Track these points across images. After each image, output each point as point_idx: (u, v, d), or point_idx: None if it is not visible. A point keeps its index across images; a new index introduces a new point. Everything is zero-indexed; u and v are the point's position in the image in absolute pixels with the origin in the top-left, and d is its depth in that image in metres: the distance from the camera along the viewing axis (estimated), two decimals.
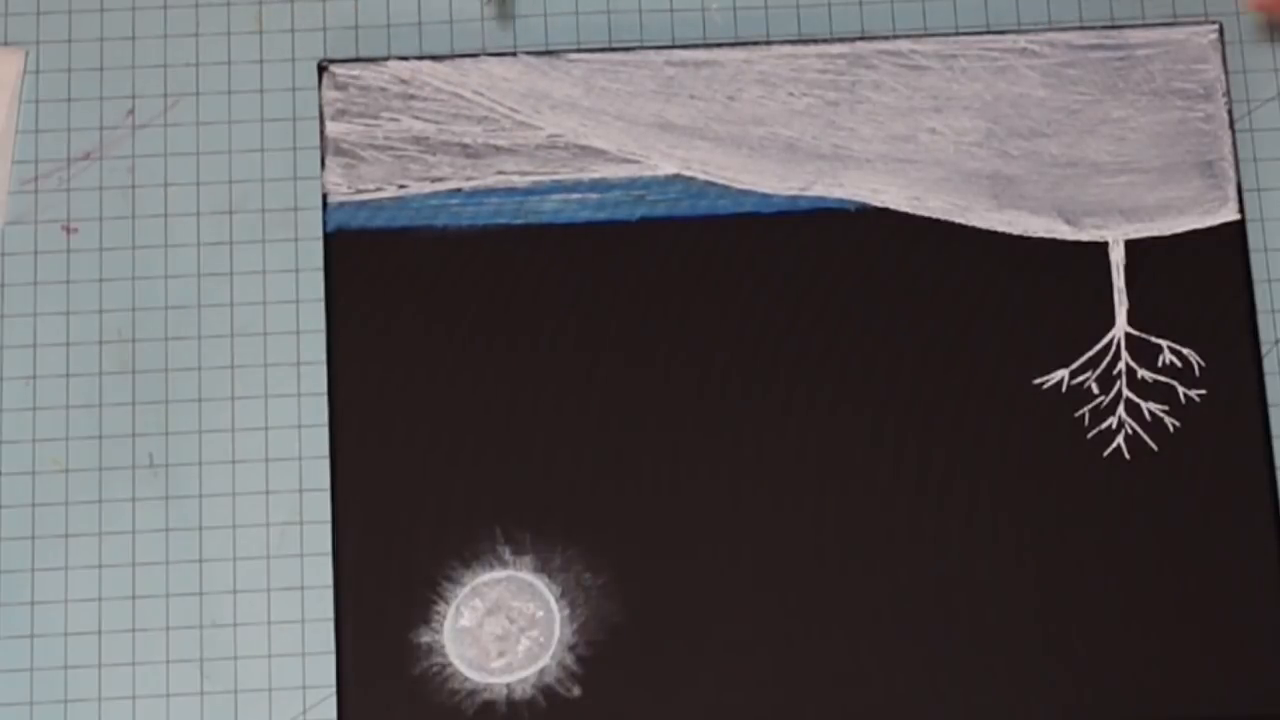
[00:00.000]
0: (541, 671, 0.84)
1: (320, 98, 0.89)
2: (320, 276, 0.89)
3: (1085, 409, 0.87)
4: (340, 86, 0.89)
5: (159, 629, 0.86)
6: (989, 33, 0.91)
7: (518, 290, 0.87)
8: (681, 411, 0.86)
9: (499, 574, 0.85)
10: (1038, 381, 0.87)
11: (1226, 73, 0.91)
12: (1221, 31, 0.91)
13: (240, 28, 0.92)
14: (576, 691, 0.84)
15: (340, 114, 0.89)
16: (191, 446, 0.87)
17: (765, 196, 0.89)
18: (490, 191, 0.88)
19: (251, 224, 0.90)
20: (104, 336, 0.89)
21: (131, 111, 0.91)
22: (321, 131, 0.89)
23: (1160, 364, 0.87)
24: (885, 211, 0.89)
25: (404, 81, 0.89)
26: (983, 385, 0.87)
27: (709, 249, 0.88)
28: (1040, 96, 0.90)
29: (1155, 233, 0.89)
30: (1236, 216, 0.89)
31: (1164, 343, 0.88)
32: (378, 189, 0.88)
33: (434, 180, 0.88)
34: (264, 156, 0.91)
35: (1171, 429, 0.87)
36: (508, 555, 0.85)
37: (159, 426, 0.88)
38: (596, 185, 0.89)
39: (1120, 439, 0.86)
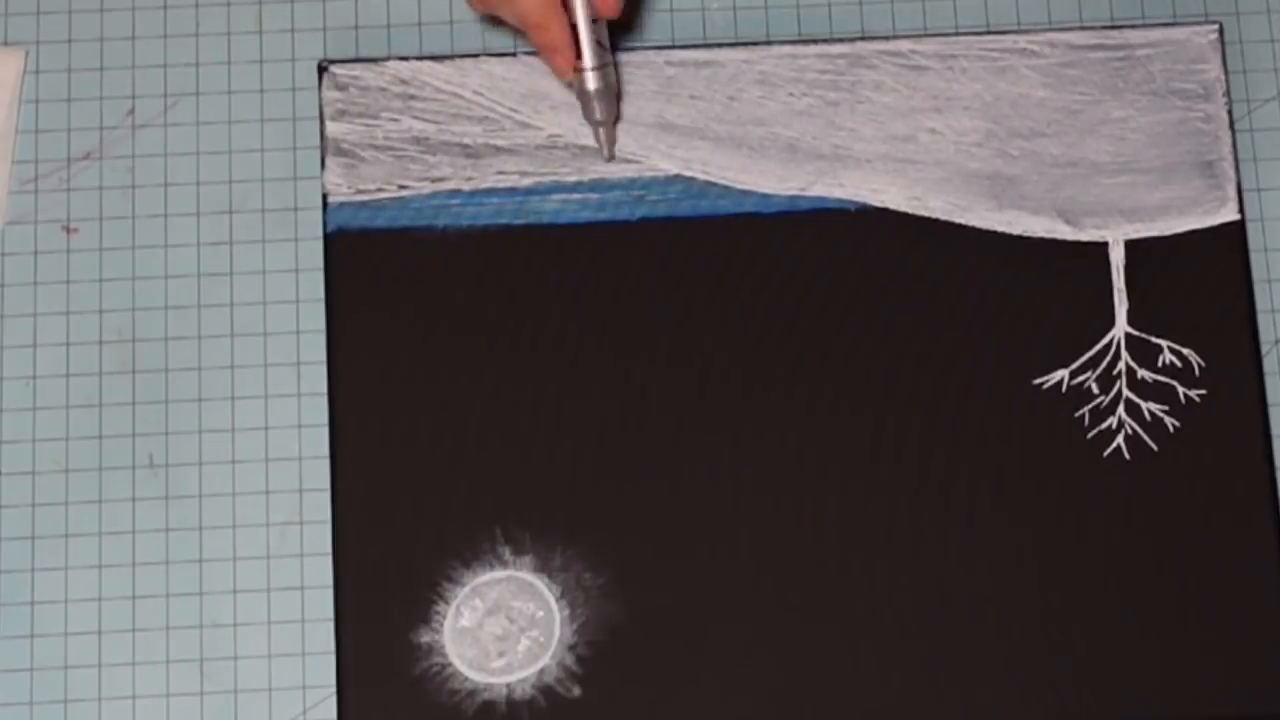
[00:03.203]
0: (541, 671, 0.84)
1: (320, 98, 0.89)
2: (320, 276, 0.89)
3: (1085, 409, 0.87)
4: (340, 86, 0.89)
5: (159, 629, 0.86)
6: (989, 33, 0.91)
7: (518, 290, 0.87)
8: (682, 412, 0.86)
9: (499, 574, 0.85)
10: (1038, 381, 0.87)
11: (1226, 73, 0.91)
12: (1221, 31, 0.91)
13: (240, 28, 0.92)
14: (576, 691, 0.84)
15: (340, 114, 0.89)
16: (191, 446, 0.87)
17: (766, 197, 0.89)
18: (490, 192, 0.88)
19: (251, 224, 0.90)
20: (104, 336, 0.89)
21: (131, 111, 0.91)
22: (321, 131, 0.89)
23: (1160, 364, 0.87)
24: (885, 212, 0.89)
25: (404, 82, 0.89)
26: (983, 385, 0.87)
27: (709, 249, 0.88)
28: (1040, 97, 0.90)
29: (1155, 233, 0.89)
30: (1236, 216, 0.89)
31: (1164, 343, 0.88)
32: (378, 189, 0.88)
33: (434, 181, 0.88)
34: (264, 156, 0.91)
35: (1171, 429, 0.87)
36: (508, 555, 0.85)
37: (159, 426, 0.88)
38: (596, 185, 0.89)
39: (1120, 439, 0.86)
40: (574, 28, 0.83)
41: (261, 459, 0.87)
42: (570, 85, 0.86)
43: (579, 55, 0.83)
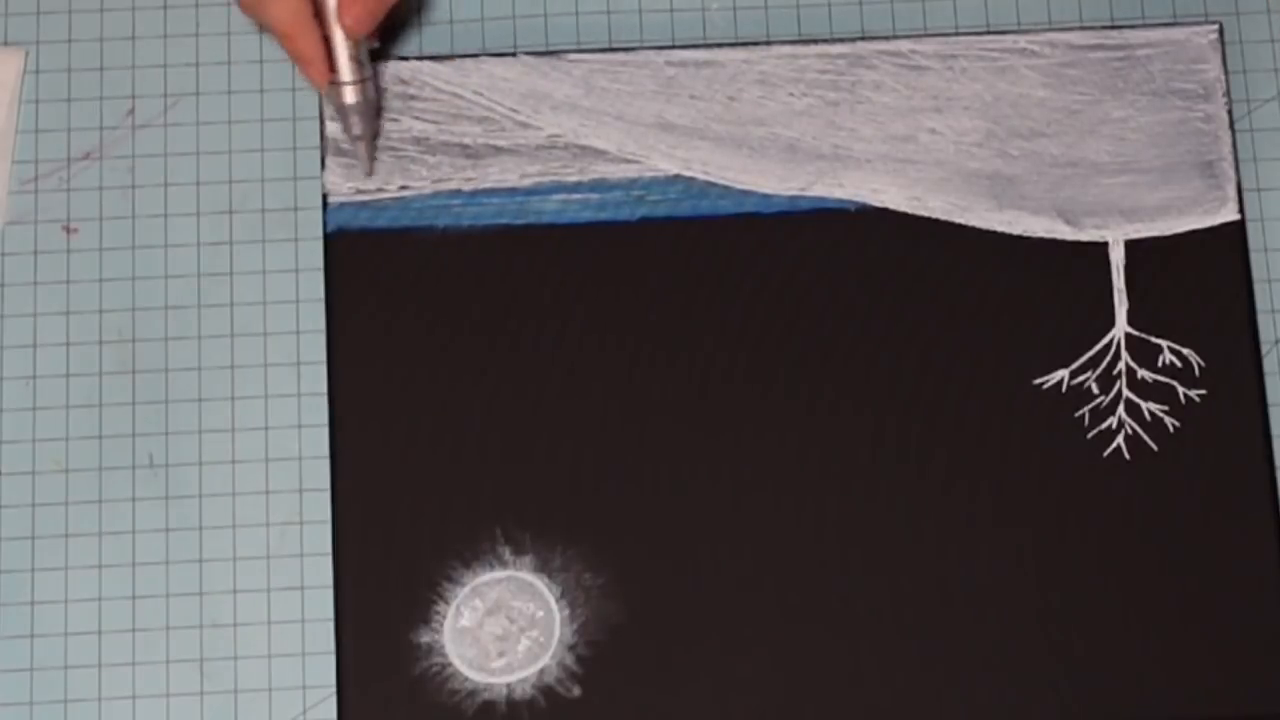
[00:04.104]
0: (541, 671, 0.84)
1: (320, 98, 0.89)
2: (320, 276, 0.89)
3: (1085, 409, 0.87)
4: None
5: (159, 629, 0.86)
6: (989, 33, 0.91)
7: (518, 291, 0.87)
8: (682, 412, 0.86)
9: (499, 574, 0.85)
10: (1038, 381, 0.87)
11: (1226, 73, 0.91)
12: (1221, 31, 0.91)
13: (240, 28, 0.92)
14: (576, 691, 0.84)
15: None
16: (191, 446, 0.88)
17: (766, 197, 0.89)
18: (491, 192, 0.88)
19: (251, 224, 0.90)
20: (104, 336, 0.89)
21: (131, 111, 0.91)
22: (321, 132, 0.89)
23: (1160, 364, 0.87)
24: (885, 212, 0.89)
25: (404, 82, 0.89)
26: (983, 385, 0.87)
27: (709, 249, 0.88)
28: (1040, 97, 0.90)
29: (1155, 233, 0.89)
30: (1236, 216, 0.89)
31: (1164, 343, 0.88)
32: (378, 189, 0.88)
33: (434, 181, 0.88)
34: (264, 156, 0.91)
35: (1171, 429, 0.87)
36: (508, 555, 0.85)
37: (159, 426, 0.88)
38: (596, 185, 0.89)
39: (1120, 439, 0.86)
40: (329, 41, 0.82)
41: (261, 459, 0.87)
42: (328, 97, 0.85)
43: (335, 69, 0.83)
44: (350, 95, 0.83)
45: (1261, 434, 0.87)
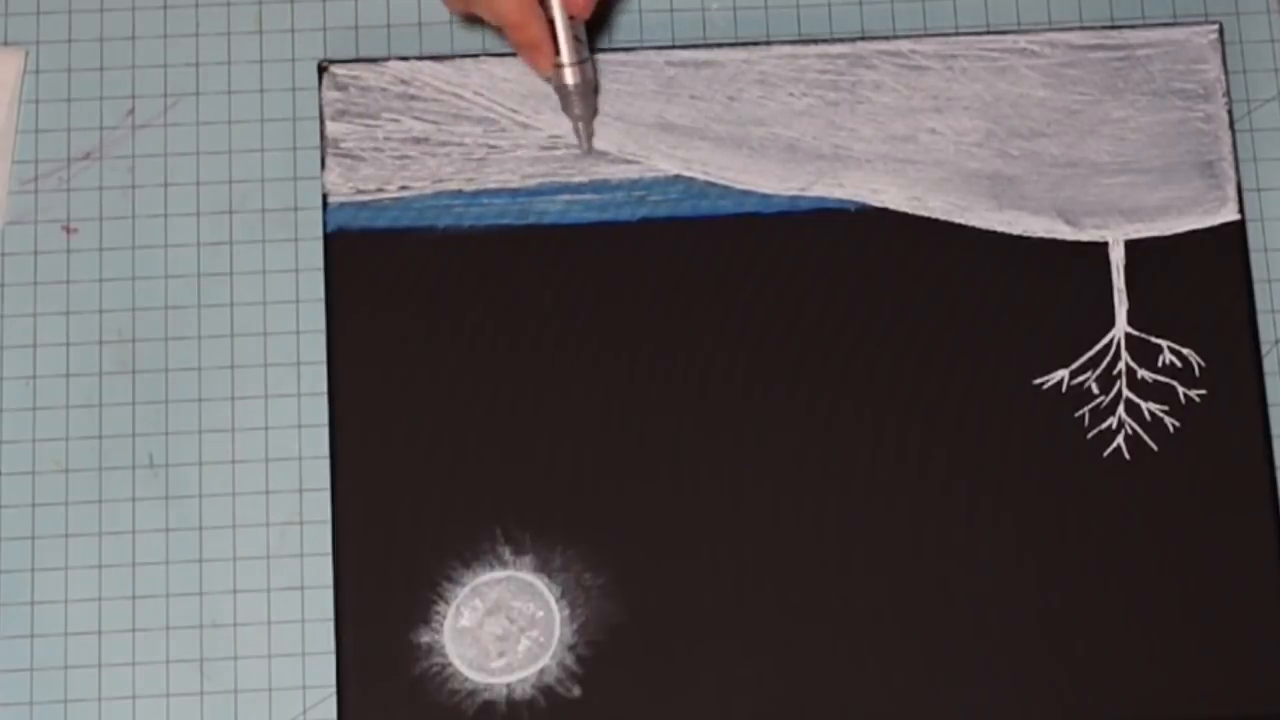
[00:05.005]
0: (541, 671, 0.84)
1: (320, 98, 0.89)
2: (320, 276, 0.89)
3: (1085, 409, 0.87)
4: (340, 86, 0.89)
5: (159, 629, 0.86)
6: (989, 33, 0.91)
7: (518, 291, 0.87)
8: (682, 412, 0.86)
9: (499, 574, 0.85)
10: (1038, 381, 0.87)
11: (1226, 73, 0.91)
12: (1221, 31, 0.91)
13: (240, 28, 0.92)
14: (576, 691, 0.84)
15: (340, 114, 0.89)
16: (191, 446, 0.88)
17: (766, 197, 0.89)
18: (491, 193, 0.88)
19: (251, 224, 0.90)
20: (104, 336, 0.89)
21: (131, 111, 0.91)
22: (322, 132, 0.89)
23: (1160, 364, 0.87)
24: (885, 212, 0.89)
25: (404, 82, 0.89)
26: (983, 385, 0.87)
27: (709, 249, 0.88)
28: (1040, 97, 0.90)
29: (1155, 233, 0.89)
30: (1236, 216, 0.89)
31: (1164, 343, 0.88)
32: (378, 189, 0.88)
33: (435, 181, 0.88)
34: (264, 156, 0.91)
35: (1171, 429, 0.87)
36: (508, 555, 0.85)
37: (159, 426, 0.88)
38: (597, 186, 0.89)
39: (1120, 439, 0.86)
40: (551, 25, 0.84)
41: (261, 459, 0.87)
42: (550, 81, 0.86)
43: (557, 52, 0.85)
44: (571, 76, 0.86)
45: (1261, 434, 0.87)
